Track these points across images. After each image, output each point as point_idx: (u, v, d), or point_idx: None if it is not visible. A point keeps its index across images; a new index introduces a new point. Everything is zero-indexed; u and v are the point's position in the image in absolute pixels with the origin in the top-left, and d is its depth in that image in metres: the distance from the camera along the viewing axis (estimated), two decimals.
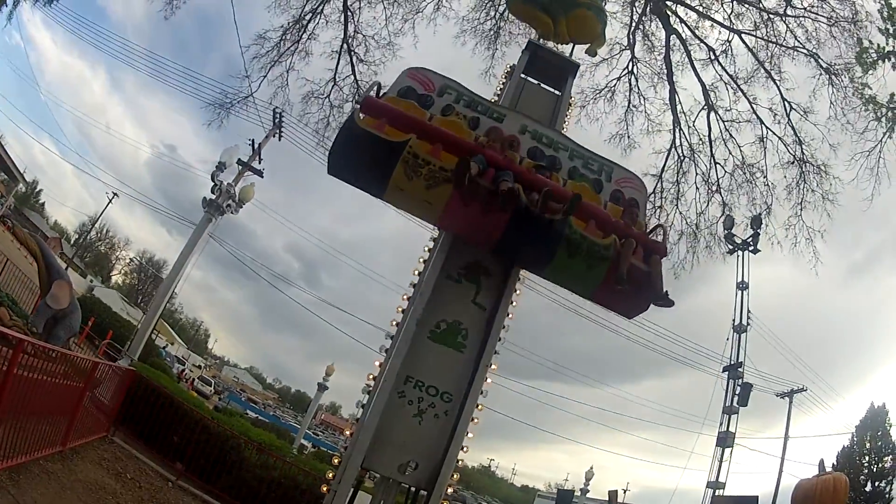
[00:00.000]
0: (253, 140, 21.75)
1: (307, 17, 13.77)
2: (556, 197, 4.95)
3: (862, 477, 29.52)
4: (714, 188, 13.85)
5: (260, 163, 21.85)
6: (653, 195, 13.73)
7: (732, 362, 25.22)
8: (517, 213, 4.86)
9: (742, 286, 25.81)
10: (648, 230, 5.69)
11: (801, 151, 13.16)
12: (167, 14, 13.48)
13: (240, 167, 20.68)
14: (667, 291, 5.05)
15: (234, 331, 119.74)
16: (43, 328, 10.44)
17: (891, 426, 31.74)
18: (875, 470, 30.59)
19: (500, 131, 5.78)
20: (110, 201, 57.20)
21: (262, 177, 21.74)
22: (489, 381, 5.25)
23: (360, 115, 5.15)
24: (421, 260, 5.77)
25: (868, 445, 30.98)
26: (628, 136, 14.18)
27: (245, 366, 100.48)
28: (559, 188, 5.21)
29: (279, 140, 22.61)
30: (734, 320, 25.70)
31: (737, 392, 24.74)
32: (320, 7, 13.74)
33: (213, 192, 18.61)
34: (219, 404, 37.06)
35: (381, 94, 5.73)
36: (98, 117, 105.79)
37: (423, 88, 5.84)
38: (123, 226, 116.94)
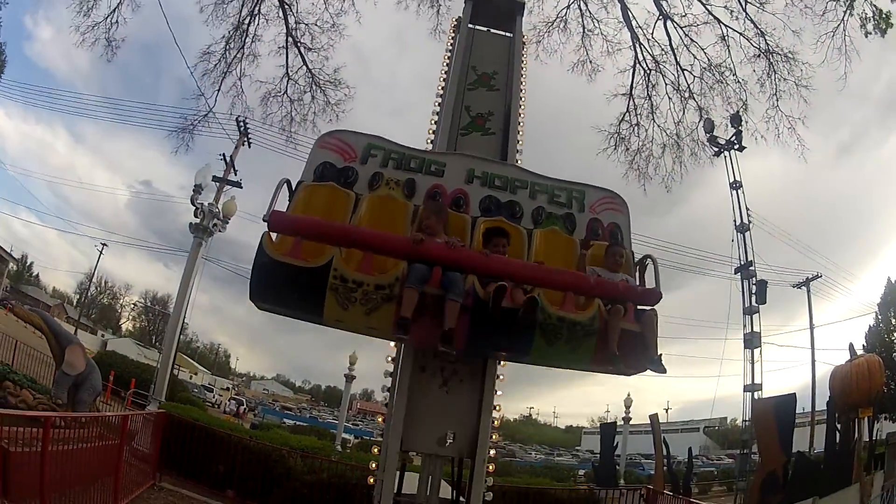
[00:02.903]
0: (224, 154, 21.92)
1: (246, 21, 13.53)
2: (516, 281, 4.22)
3: (895, 353, 29.61)
4: (686, 95, 13.71)
5: (236, 174, 22.23)
6: (627, 114, 13.68)
7: (742, 263, 25.32)
8: (476, 314, 4.13)
9: (735, 185, 25.85)
10: (636, 261, 5.06)
11: (766, 43, 12.98)
12: (109, 56, 13.21)
13: (217, 184, 20.70)
14: (661, 355, 4.45)
15: (252, 344, 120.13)
16: (67, 397, 10.47)
17: None
18: None
19: (443, 190, 5.10)
20: (101, 253, 57.24)
21: (242, 187, 22.04)
22: None
23: (271, 235, 4.32)
24: None
25: (894, 321, 31.12)
26: (590, 62, 13.95)
27: (271, 376, 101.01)
28: (518, 269, 4.35)
29: (249, 147, 22.98)
30: (735, 221, 25.76)
31: (753, 291, 24.89)
32: (256, 8, 13.49)
33: (196, 216, 18.47)
34: (255, 421, 37.38)
35: (294, 186, 4.89)
36: (68, 175, 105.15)
37: (344, 159, 5.13)
38: (120, 273, 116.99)
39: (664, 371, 4.44)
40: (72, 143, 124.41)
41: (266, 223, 4.25)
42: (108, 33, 12.91)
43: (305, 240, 4.22)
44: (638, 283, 4.85)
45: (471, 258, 4.31)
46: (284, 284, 4.20)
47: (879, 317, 31.43)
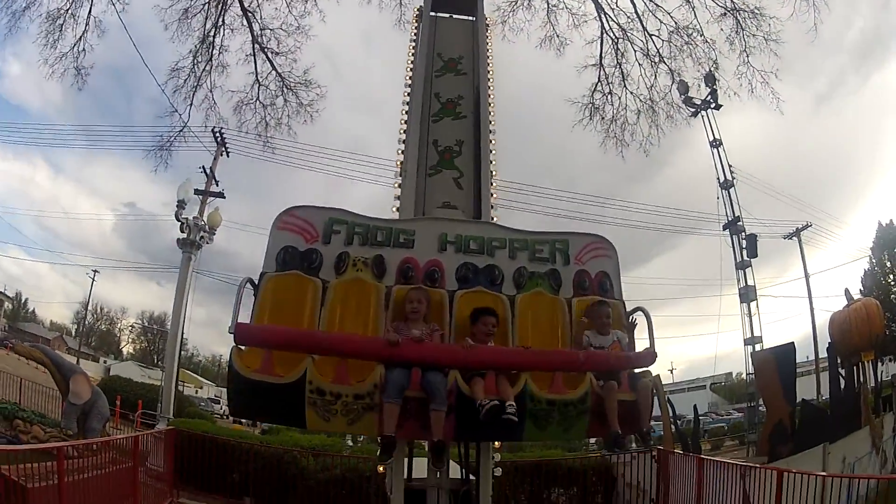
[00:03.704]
0: (203, 166, 22.20)
1: (211, 34, 13.46)
2: (501, 370, 4.02)
3: (892, 295, 29.74)
4: (656, 60, 13.64)
5: (217, 185, 22.34)
6: (598, 84, 13.67)
7: (729, 219, 25.50)
8: (461, 412, 3.89)
9: (715, 143, 25.98)
10: (629, 311, 4.81)
11: (731, 1, 12.98)
12: (80, 85, 13.13)
13: (199, 197, 20.81)
14: (648, 430, 4.42)
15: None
16: (77, 426, 10.53)
17: None
18: None
19: (415, 263, 4.68)
20: (93, 280, 57.21)
21: (224, 197, 22.14)
22: None
23: (240, 348, 4.07)
24: None
25: (889, 263, 31.34)
26: (557, 36, 13.89)
27: None
28: (502, 358, 4.15)
29: (228, 157, 23.32)
30: (718, 178, 25.95)
31: (743, 246, 25.08)
32: (220, 19, 13.42)
33: (182, 231, 18.52)
34: (265, 426, 37.47)
35: (258, 279, 4.53)
36: (52, 206, 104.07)
37: (306, 240, 4.70)
38: (114, 297, 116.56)
39: (648, 450, 4.36)
40: (52, 174, 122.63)
41: (232, 336, 3.99)
42: (77, 62, 12.79)
43: (276, 349, 4.02)
44: (628, 337, 4.65)
45: (451, 354, 4.08)
46: (259, 398, 4.00)
47: (874, 260, 31.64)
